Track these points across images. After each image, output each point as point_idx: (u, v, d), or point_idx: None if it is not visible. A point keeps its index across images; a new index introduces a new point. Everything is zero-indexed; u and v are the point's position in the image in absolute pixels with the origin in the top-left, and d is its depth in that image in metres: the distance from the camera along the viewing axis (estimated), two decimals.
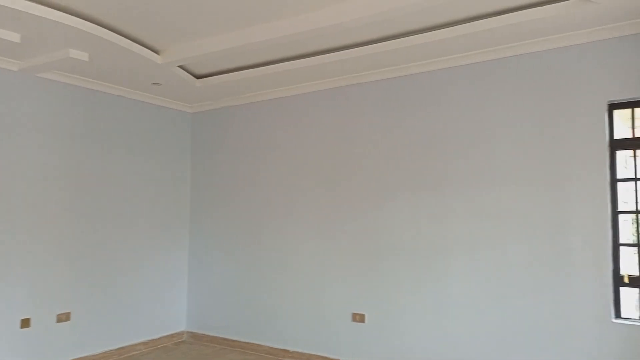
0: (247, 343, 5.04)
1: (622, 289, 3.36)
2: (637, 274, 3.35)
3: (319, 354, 4.57)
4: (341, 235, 4.53)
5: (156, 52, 4.06)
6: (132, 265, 4.96)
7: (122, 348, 4.82)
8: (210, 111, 5.61)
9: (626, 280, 3.32)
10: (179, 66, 4.38)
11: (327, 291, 4.58)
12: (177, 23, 3.55)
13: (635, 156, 3.44)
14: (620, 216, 3.43)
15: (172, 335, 5.34)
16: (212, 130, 5.58)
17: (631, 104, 3.39)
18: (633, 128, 3.43)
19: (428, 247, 4.08)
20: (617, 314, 3.34)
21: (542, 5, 3.18)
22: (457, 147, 3.98)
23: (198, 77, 4.75)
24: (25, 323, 4.10)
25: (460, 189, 3.94)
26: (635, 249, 3.39)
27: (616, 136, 3.45)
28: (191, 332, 5.47)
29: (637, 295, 3.39)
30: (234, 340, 5.15)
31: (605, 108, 3.43)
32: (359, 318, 4.39)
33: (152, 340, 5.13)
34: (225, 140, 5.45)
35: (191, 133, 5.74)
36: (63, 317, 4.37)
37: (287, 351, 4.77)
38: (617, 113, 3.49)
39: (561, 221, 3.52)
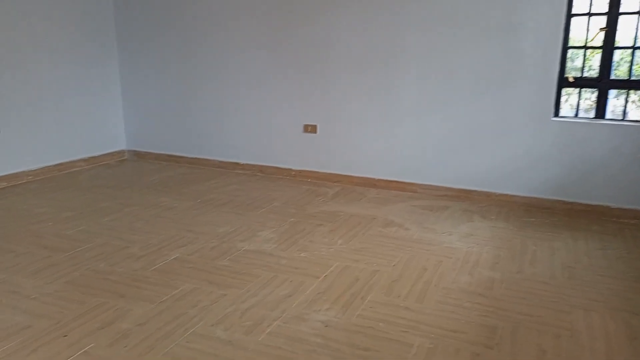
0: (195, 158, 5.01)
1: (563, 90, 3.59)
2: (580, 75, 3.57)
3: (271, 164, 4.67)
4: (292, 46, 4.31)
5: None
6: (58, 80, 4.50)
7: (61, 164, 4.61)
8: None
9: (571, 80, 3.53)
10: None
11: (278, 104, 4.51)
12: None
13: None
14: (573, 19, 3.51)
15: (112, 154, 5.16)
16: None
17: None
18: None
19: (379, 57, 4.01)
20: (556, 113, 3.62)
21: None
22: None
23: None
24: None
25: None
26: (582, 51, 3.56)
27: None
28: (132, 151, 5.31)
29: (577, 95, 3.66)
30: (180, 157, 5.08)
31: None
32: (310, 129, 4.44)
33: (93, 157, 4.93)
34: None
35: None
36: None
37: (237, 164, 4.82)
38: None
39: (515, 23, 3.55)
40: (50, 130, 4.48)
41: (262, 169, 4.72)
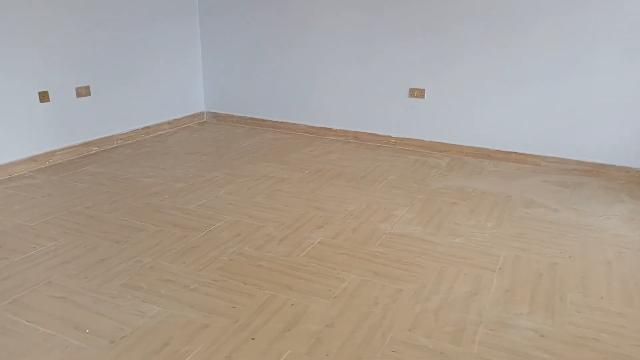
0: (281, 122, 4.71)
1: None
2: None
3: (367, 131, 4.34)
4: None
5: None
6: (141, 40, 4.17)
7: (148, 127, 4.36)
8: None
9: None
10: None
11: (379, 65, 4.12)
12: None
13: None
14: None
15: (193, 116, 4.89)
16: None
17: None
18: None
19: (503, 12, 3.57)
20: None
21: None
22: None
23: None
24: (44, 96, 3.47)
25: None
26: None
27: None
28: (211, 113, 5.03)
29: None
30: (264, 120, 4.78)
31: None
32: (417, 93, 4.06)
33: (175, 120, 4.67)
34: None
35: None
36: (82, 92, 3.74)
37: (329, 129, 4.50)
38: None
39: None
40: (136, 92, 4.20)
41: (357, 135, 4.40)
